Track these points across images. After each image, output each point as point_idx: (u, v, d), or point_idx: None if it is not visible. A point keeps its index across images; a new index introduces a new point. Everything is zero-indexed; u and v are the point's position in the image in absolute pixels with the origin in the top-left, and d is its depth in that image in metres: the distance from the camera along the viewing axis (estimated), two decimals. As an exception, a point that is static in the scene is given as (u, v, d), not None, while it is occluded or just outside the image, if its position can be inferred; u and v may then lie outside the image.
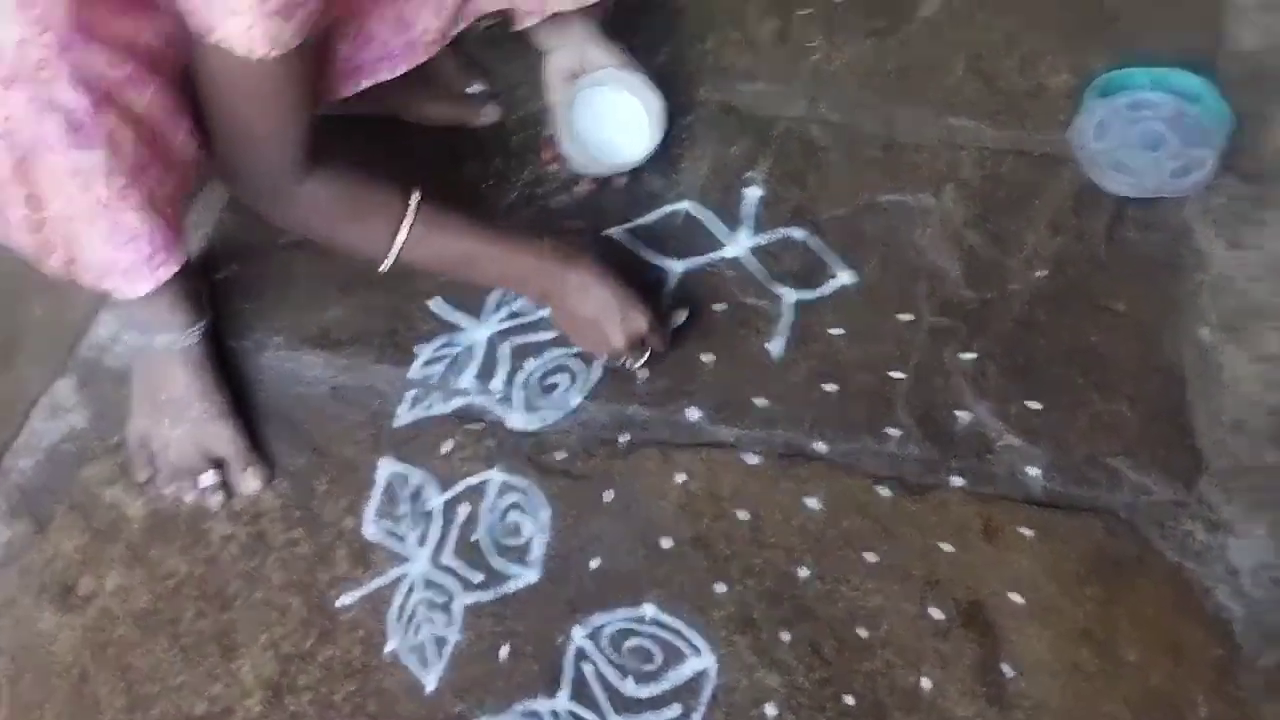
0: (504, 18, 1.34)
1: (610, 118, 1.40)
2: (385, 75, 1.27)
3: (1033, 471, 1.24)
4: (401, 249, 1.19)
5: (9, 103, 0.95)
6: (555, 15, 1.33)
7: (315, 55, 1.11)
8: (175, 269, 1.10)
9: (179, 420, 1.27)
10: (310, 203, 1.16)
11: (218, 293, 1.38)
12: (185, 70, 1.08)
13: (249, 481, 1.27)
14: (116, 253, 1.06)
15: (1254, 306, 1.32)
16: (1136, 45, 1.51)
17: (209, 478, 1.27)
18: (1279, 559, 1.17)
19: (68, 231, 1.05)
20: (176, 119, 1.08)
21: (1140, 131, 1.39)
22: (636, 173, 1.44)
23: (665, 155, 1.44)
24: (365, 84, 1.26)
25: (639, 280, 1.30)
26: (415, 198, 1.19)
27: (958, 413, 1.28)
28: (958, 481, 1.24)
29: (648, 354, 1.29)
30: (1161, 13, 1.55)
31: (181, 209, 1.11)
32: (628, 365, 1.30)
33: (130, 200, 1.03)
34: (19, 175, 0.99)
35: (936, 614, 1.17)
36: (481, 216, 1.27)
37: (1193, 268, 1.36)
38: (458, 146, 1.50)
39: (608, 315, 1.25)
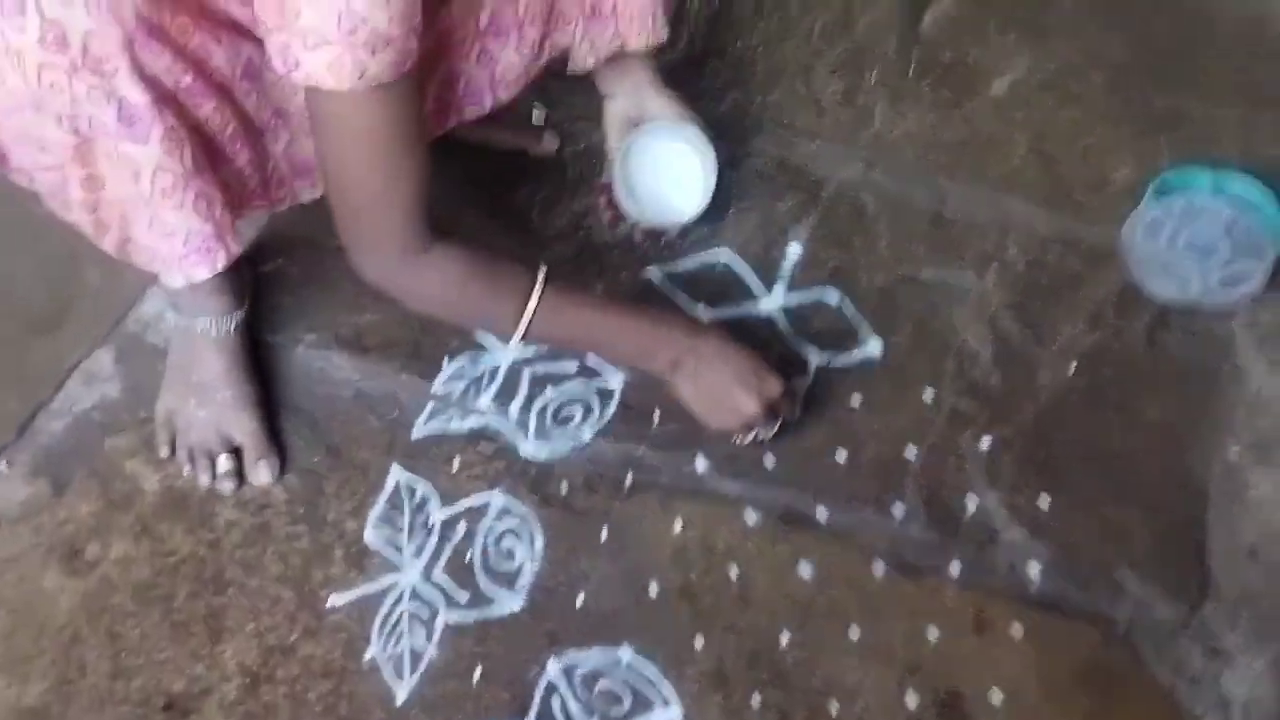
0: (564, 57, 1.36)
1: (665, 170, 1.42)
2: (472, 114, 1.29)
3: (1034, 569, 1.22)
4: (531, 323, 1.18)
5: (74, 88, 0.99)
6: (616, 60, 1.35)
7: (418, 102, 1.12)
8: (207, 274, 1.12)
9: (205, 402, 1.31)
10: (439, 273, 1.14)
11: (261, 285, 1.42)
12: (250, 121, 1.11)
13: (261, 472, 1.31)
14: (156, 244, 1.10)
15: (1288, 431, 1.29)
16: (1207, 148, 1.48)
17: (224, 463, 1.30)
18: (1273, 694, 1.14)
19: (121, 214, 1.09)
20: (237, 144, 1.10)
21: (1192, 236, 1.36)
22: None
23: (714, 202, 1.44)
24: (453, 123, 1.28)
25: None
26: (543, 271, 1.18)
27: (967, 498, 1.27)
28: (955, 568, 1.23)
29: (779, 423, 1.28)
30: (1236, 116, 1.51)
31: (230, 221, 1.12)
32: (759, 437, 1.28)
33: (172, 199, 1.06)
34: (79, 156, 1.03)
35: (913, 700, 1.16)
36: (532, 249, 1.27)
37: (1230, 383, 1.33)
38: (513, 172, 1.52)
39: (742, 381, 1.23)
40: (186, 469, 1.31)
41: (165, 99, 1.02)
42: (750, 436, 1.27)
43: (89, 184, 1.06)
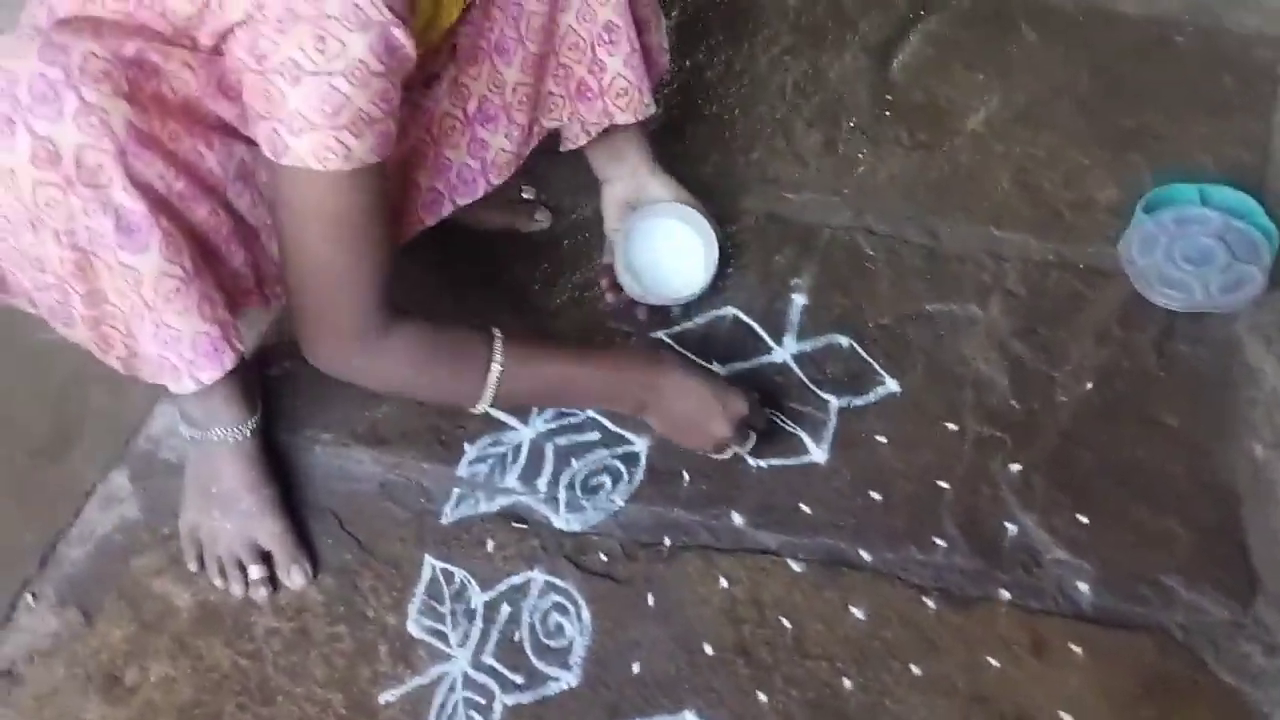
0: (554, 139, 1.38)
1: (667, 251, 1.43)
2: (466, 200, 1.30)
3: (1083, 587, 1.23)
4: (498, 386, 1.19)
5: (70, 203, 0.98)
6: (610, 143, 1.37)
7: (393, 189, 1.14)
8: (218, 375, 1.12)
9: (229, 513, 1.29)
10: (401, 352, 1.15)
11: (271, 388, 1.40)
12: (244, 221, 1.12)
13: (295, 576, 1.28)
14: (163, 351, 1.09)
15: (1307, 424, 1.31)
16: (1183, 161, 1.53)
17: (256, 571, 1.28)
18: (1337, 683, 1.15)
19: (125, 326, 1.09)
20: (233, 245, 1.11)
21: (1187, 246, 1.39)
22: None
23: (715, 278, 1.45)
24: (447, 211, 1.30)
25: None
26: (497, 333, 1.19)
27: (1005, 524, 1.27)
28: (1005, 595, 1.23)
29: (754, 437, 1.30)
30: (1206, 131, 1.56)
31: (233, 320, 1.12)
32: (738, 452, 1.31)
33: (176, 304, 1.05)
34: (79, 272, 1.03)
35: (982, 730, 1.15)
36: (536, 324, 1.28)
37: (1244, 383, 1.35)
38: (508, 250, 1.53)
39: (708, 406, 1.25)
40: (218, 581, 1.28)
41: (160, 205, 1.02)
42: (729, 454, 1.30)
43: (90, 300, 1.05)
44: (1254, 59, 1.62)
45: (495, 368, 1.18)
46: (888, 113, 1.64)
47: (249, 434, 1.30)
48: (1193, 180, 1.47)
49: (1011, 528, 1.27)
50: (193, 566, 1.30)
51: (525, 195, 1.58)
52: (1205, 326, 1.39)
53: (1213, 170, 1.51)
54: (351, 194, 1.04)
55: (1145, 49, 1.65)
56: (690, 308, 1.46)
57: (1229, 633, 1.19)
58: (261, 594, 1.27)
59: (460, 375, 1.19)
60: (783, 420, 1.34)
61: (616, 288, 1.46)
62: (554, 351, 1.28)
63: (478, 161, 1.30)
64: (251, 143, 1.11)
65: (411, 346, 1.16)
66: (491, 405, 1.21)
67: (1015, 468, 1.31)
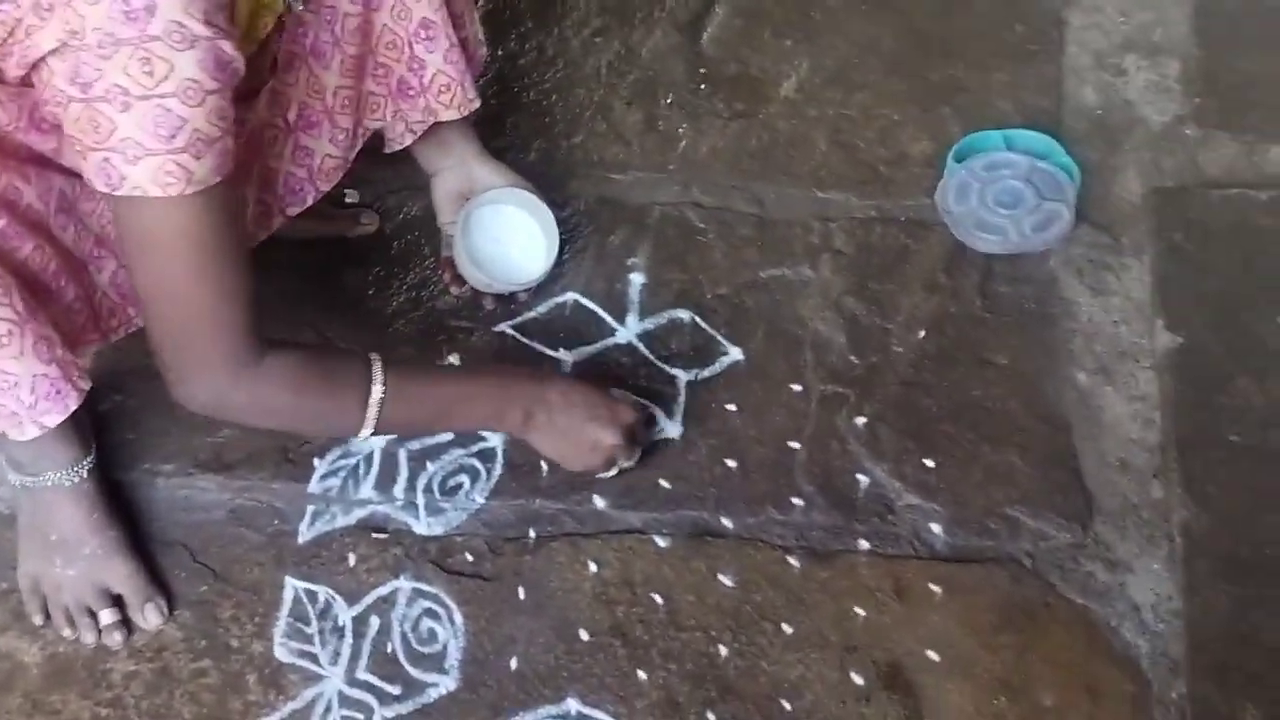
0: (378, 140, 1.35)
1: (506, 237, 1.42)
2: (296, 209, 1.26)
3: (935, 528, 1.27)
4: (379, 412, 1.13)
5: None
6: (436, 137, 1.35)
7: (238, 205, 1.09)
8: (62, 417, 1.07)
9: (72, 559, 1.23)
10: (277, 381, 1.09)
11: (102, 424, 1.34)
12: (71, 255, 1.07)
13: (150, 615, 1.24)
14: (0, 399, 1.04)
15: (1123, 348, 1.38)
16: (987, 110, 1.59)
17: (107, 615, 1.23)
18: (1175, 590, 1.22)
19: None
20: (62, 280, 1.06)
21: (998, 190, 1.45)
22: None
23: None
24: (278, 224, 1.26)
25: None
26: (375, 357, 1.14)
27: (858, 477, 1.31)
28: (864, 545, 1.27)
29: (639, 451, 1.29)
30: (1006, 78, 1.63)
31: (73, 359, 1.07)
32: (624, 468, 1.28)
33: (10, 348, 1.00)
34: None
35: (858, 679, 1.18)
36: (376, 330, 1.26)
37: (1063, 316, 1.42)
38: (337, 258, 1.49)
39: (595, 417, 1.23)
40: (66, 632, 1.23)
41: None
42: (614, 470, 1.28)
43: None
44: (1042, 7, 1.69)
45: (376, 390, 1.13)
46: (703, 86, 1.66)
47: (85, 474, 1.25)
48: (997, 126, 1.53)
49: (863, 479, 1.31)
50: (38, 620, 1.24)
51: (349, 199, 1.54)
52: (1022, 266, 1.45)
53: (1014, 116, 1.58)
54: (201, 217, 0.98)
55: (946, 4, 1.71)
56: (533, 294, 1.45)
57: (1072, 554, 1.25)
58: (116, 639, 1.23)
59: (341, 401, 1.13)
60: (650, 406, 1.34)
61: (459, 280, 1.44)
62: (435, 373, 1.26)
63: (304, 170, 1.27)
64: (69, 173, 1.06)
65: (287, 374, 1.09)
66: (374, 432, 1.15)
67: (861, 420, 1.35)
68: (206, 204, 0.98)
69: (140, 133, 0.93)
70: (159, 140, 0.93)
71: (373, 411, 1.13)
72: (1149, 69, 1.64)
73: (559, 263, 1.44)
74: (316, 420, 1.19)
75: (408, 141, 1.34)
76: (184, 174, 0.95)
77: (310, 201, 1.28)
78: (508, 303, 1.45)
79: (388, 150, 1.35)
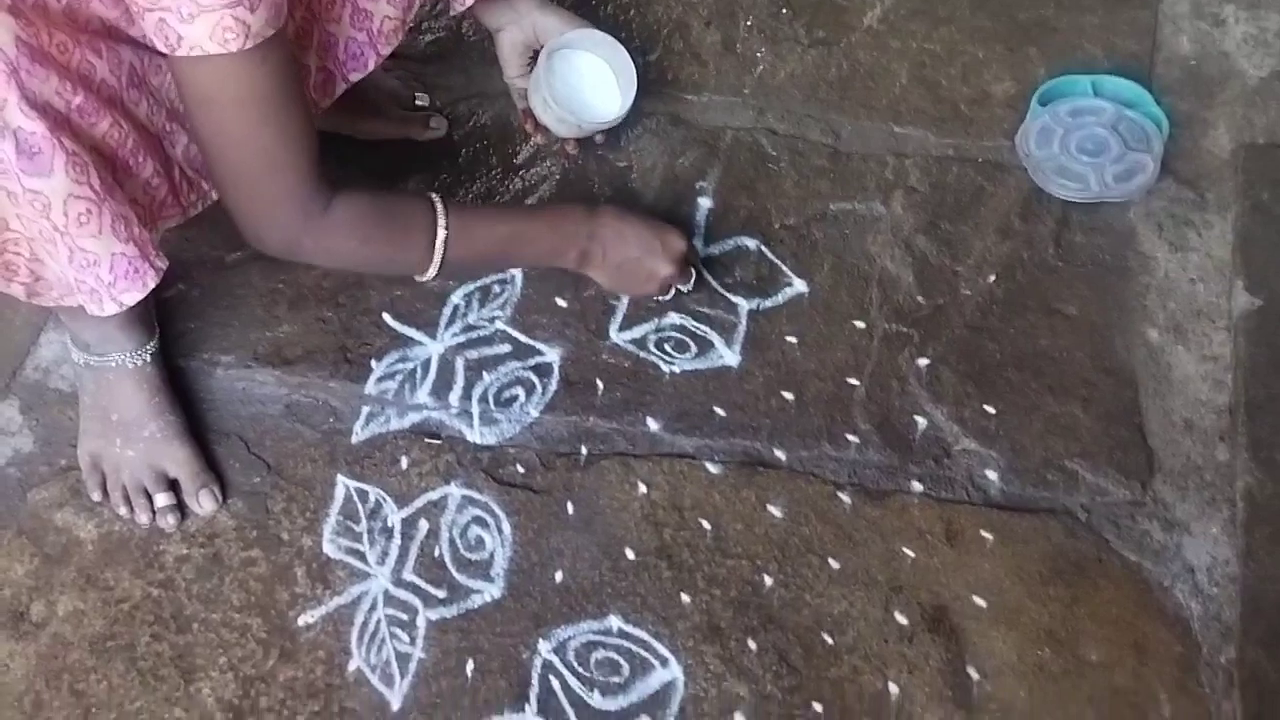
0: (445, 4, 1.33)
1: (584, 79, 1.41)
2: (358, 74, 1.25)
3: (991, 475, 1.26)
4: (445, 250, 1.18)
5: None
6: None
7: (293, 57, 1.09)
8: (140, 296, 1.06)
9: (132, 441, 1.25)
10: (346, 225, 1.12)
11: (165, 312, 1.35)
12: (145, 130, 1.07)
13: (204, 501, 1.25)
14: (80, 274, 1.04)
15: (1199, 307, 1.35)
16: (1075, 53, 1.54)
17: (163, 498, 1.24)
18: (1233, 555, 1.20)
19: (30, 252, 1.04)
20: (139, 156, 1.05)
21: (1082, 137, 1.41)
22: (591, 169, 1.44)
23: (622, 148, 1.45)
24: (341, 89, 1.24)
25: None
26: (435, 198, 1.19)
27: (915, 418, 1.29)
28: (917, 486, 1.25)
29: (694, 274, 1.34)
30: (1098, 21, 1.58)
31: (149, 238, 1.07)
32: (681, 290, 1.34)
33: (89, 227, 1.00)
34: None
35: (901, 619, 1.18)
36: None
37: (1139, 270, 1.38)
38: (405, 161, 1.48)
39: (649, 248, 1.27)
40: (123, 511, 1.25)
41: (60, 124, 0.97)
42: (671, 293, 1.33)
43: None
44: (1141, -50, 1.64)
45: (441, 231, 1.17)
46: (784, 10, 1.62)
47: (149, 358, 1.26)
48: (1085, 71, 1.49)
49: (921, 421, 1.29)
50: (95, 497, 1.26)
51: (419, 103, 1.53)
52: (1100, 215, 1.42)
53: (1104, 61, 1.53)
54: (260, 69, 0.99)
55: (1038, -59, 1.66)
56: (591, 185, 1.45)
57: (1129, 512, 1.23)
58: (170, 521, 1.24)
59: (407, 242, 1.18)
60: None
61: (541, 129, 1.44)
62: (494, 212, 1.28)
63: (363, 33, 1.24)
64: (137, 45, 1.05)
65: (355, 218, 1.13)
66: (439, 272, 1.20)
67: (923, 362, 1.33)
68: (265, 56, 0.99)
69: None
70: None
71: (439, 253, 1.18)
72: (1248, 21, 1.59)
73: (626, 182, 1.43)
74: (384, 261, 1.22)
75: (470, 1, 1.31)
76: (241, 28, 0.95)
77: (371, 66, 1.25)
78: (585, 146, 1.46)
79: (453, 13, 1.32)
